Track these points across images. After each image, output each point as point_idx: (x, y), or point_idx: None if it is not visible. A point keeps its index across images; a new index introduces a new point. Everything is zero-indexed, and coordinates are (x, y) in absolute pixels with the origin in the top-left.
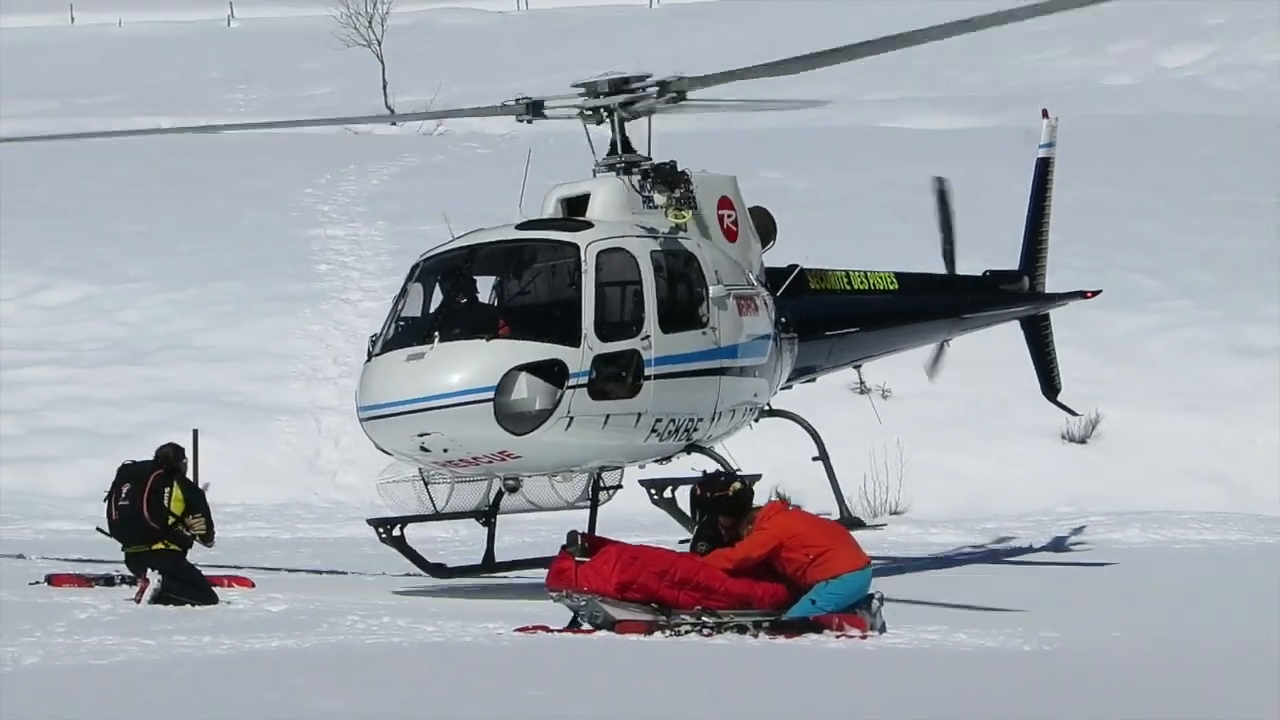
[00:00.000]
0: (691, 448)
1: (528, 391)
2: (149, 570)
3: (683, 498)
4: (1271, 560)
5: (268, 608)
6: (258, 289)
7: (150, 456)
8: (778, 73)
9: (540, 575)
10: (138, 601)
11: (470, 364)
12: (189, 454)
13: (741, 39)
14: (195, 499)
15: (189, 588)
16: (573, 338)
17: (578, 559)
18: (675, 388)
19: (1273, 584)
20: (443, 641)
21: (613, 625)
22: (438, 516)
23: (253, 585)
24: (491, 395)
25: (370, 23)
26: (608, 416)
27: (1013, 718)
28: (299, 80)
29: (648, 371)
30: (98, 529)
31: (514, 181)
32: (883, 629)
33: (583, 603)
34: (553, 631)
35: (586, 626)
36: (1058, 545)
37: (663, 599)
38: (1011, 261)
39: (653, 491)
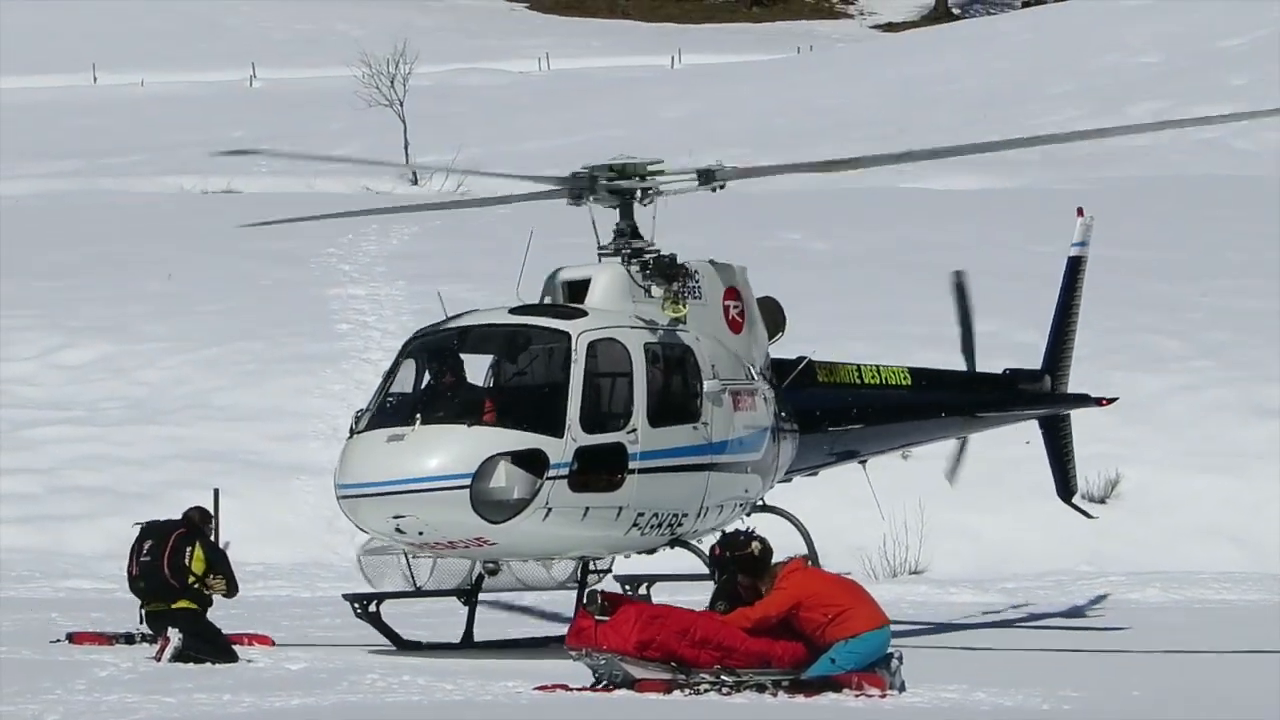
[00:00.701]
0: (675, 542)
1: (505, 480)
2: (169, 629)
3: (658, 593)
4: None
5: (288, 666)
6: (278, 348)
7: (173, 516)
8: (814, 170)
9: (523, 654)
10: (158, 659)
11: (448, 449)
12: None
13: (763, 101)
14: (216, 559)
15: (209, 646)
16: (556, 428)
17: (597, 618)
18: (660, 482)
19: None
20: (463, 700)
21: (632, 684)
22: (418, 593)
23: (273, 643)
24: (468, 482)
25: (392, 83)
26: (587, 509)
27: None
28: (322, 141)
29: (632, 465)
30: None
31: (536, 243)
32: (902, 688)
33: (602, 661)
34: (572, 690)
35: (606, 685)
36: (1077, 605)
37: (682, 658)
38: (1021, 318)
39: (627, 588)
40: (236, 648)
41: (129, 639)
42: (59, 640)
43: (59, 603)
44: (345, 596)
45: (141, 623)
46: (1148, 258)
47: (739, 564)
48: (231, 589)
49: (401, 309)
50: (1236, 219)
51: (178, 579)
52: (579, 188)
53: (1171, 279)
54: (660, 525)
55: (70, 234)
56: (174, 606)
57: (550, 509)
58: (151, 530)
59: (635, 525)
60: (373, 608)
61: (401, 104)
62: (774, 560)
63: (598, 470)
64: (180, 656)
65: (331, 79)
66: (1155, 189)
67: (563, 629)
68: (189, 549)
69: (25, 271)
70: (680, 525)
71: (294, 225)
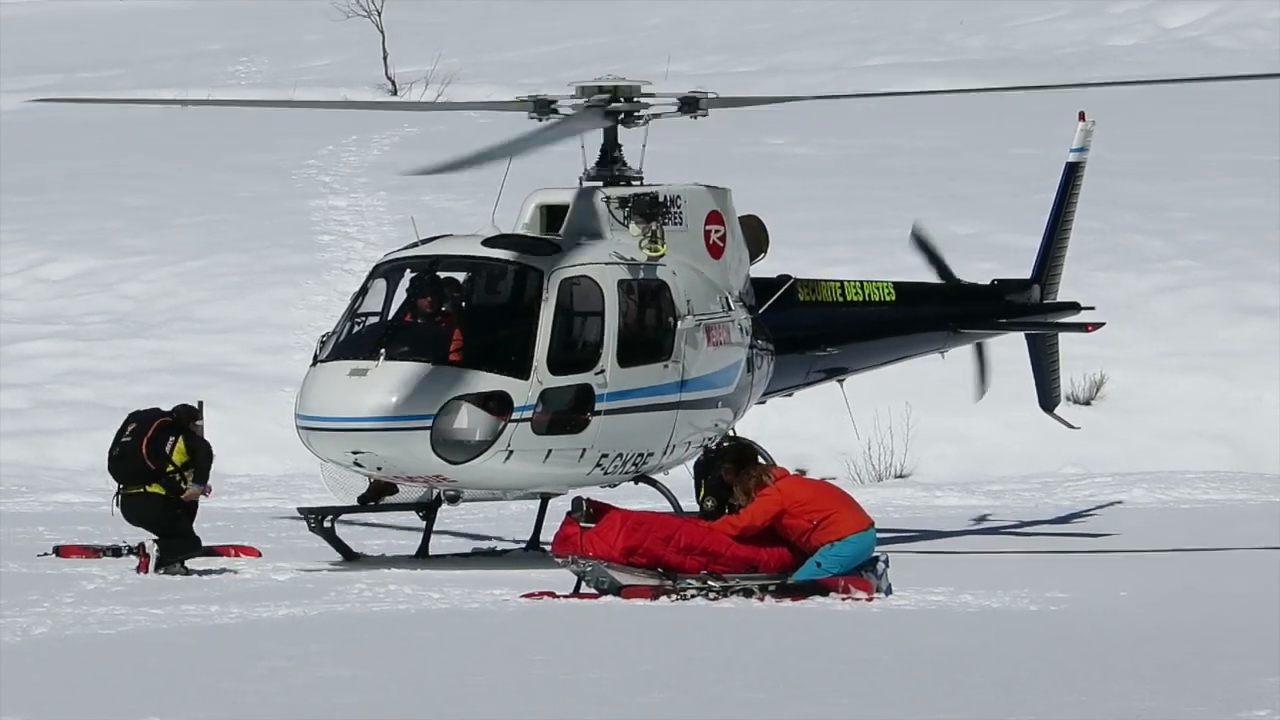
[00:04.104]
0: (640, 478)
1: (467, 423)
2: (146, 542)
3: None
4: (1277, 518)
5: (275, 577)
6: (261, 261)
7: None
8: (798, 100)
9: (507, 564)
10: (144, 571)
11: (411, 388)
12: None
13: (743, 5)
14: (196, 450)
15: (180, 541)
16: (522, 369)
17: (583, 525)
18: (627, 423)
19: (1278, 542)
20: (449, 608)
21: (619, 590)
22: (376, 508)
23: (259, 554)
24: (429, 423)
25: None
26: (550, 450)
27: (1020, 676)
28: (300, 52)
29: (599, 407)
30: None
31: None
32: (889, 591)
33: (589, 568)
34: (559, 597)
35: (592, 591)
36: (1063, 506)
37: (668, 563)
38: (1001, 220)
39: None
40: (224, 559)
41: (116, 552)
42: (46, 554)
43: (46, 516)
44: (299, 510)
45: (117, 505)
46: (1130, 158)
47: (723, 455)
48: (200, 475)
49: (383, 219)
50: (1219, 119)
51: (155, 463)
52: (527, 110)
53: (1154, 180)
54: (625, 463)
55: (49, 149)
56: (148, 489)
57: (512, 451)
58: (136, 416)
59: (599, 465)
60: (327, 522)
61: (379, 14)
62: (758, 464)
63: (563, 413)
64: (161, 564)
65: None
66: (1138, 89)
67: (519, 543)
68: (171, 439)
69: (4, 187)
70: (646, 463)
71: (272, 137)
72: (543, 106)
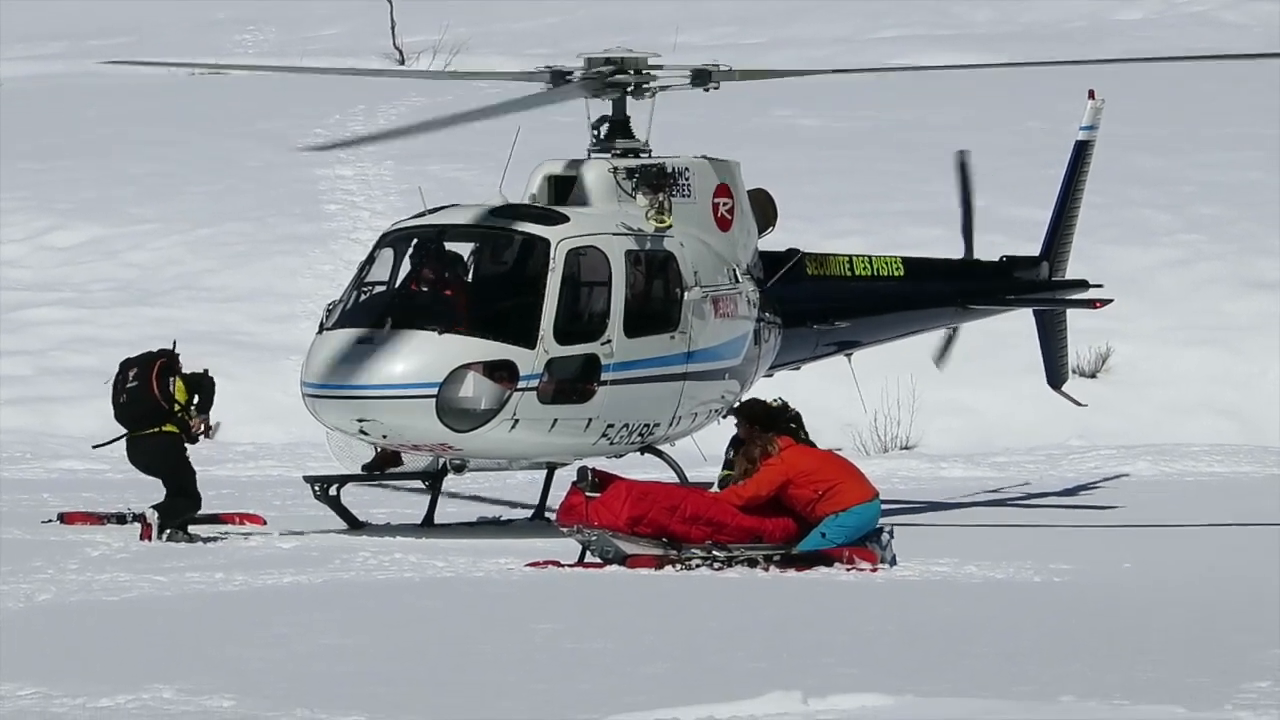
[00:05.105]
0: (646, 449)
1: (473, 391)
2: (146, 511)
3: None
4: None
5: (279, 545)
6: (267, 229)
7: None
8: (812, 74)
9: (512, 533)
10: (147, 540)
11: (416, 357)
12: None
13: None
14: (198, 382)
15: (182, 500)
16: (529, 339)
17: (588, 494)
18: (633, 393)
19: None
20: (454, 577)
21: (624, 559)
22: (382, 477)
23: (264, 523)
24: (434, 391)
25: None
26: (556, 420)
27: (1023, 648)
28: (306, 21)
29: (605, 377)
30: (94, 446)
31: (524, 124)
32: (893, 562)
33: (594, 537)
34: (564, 566)
35: (597, 560)
36: (1068, 478)
37: (673, 533)
38: (1011, 194)
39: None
40: (228, 527)
41: (120, 519)
42: (50, 520)
43: (51, 483)
44: (305, 478)
45: (127, 441)
46: (1138, 132)
47: (752, 409)
48: (204, 405)
49: (390, 189)
50: (1227, 92)
51: (166, 403)
52: (542, 80)
53: (1162, 153)
54: (631, 434)
55: (58, 116)
56: (163, 430)
57: (517, 420)
58: (133, 361)
59: (604, 435)
60: (333, 490)
61: None
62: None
63: (569, 382)
64: (165, 527)
65: None
66: (1146, 63)
67: (525, 512)
68: (172, 379)
69: (13, 153)
70: (652, 434)
71: (279, 106)
72: (558, 78)
